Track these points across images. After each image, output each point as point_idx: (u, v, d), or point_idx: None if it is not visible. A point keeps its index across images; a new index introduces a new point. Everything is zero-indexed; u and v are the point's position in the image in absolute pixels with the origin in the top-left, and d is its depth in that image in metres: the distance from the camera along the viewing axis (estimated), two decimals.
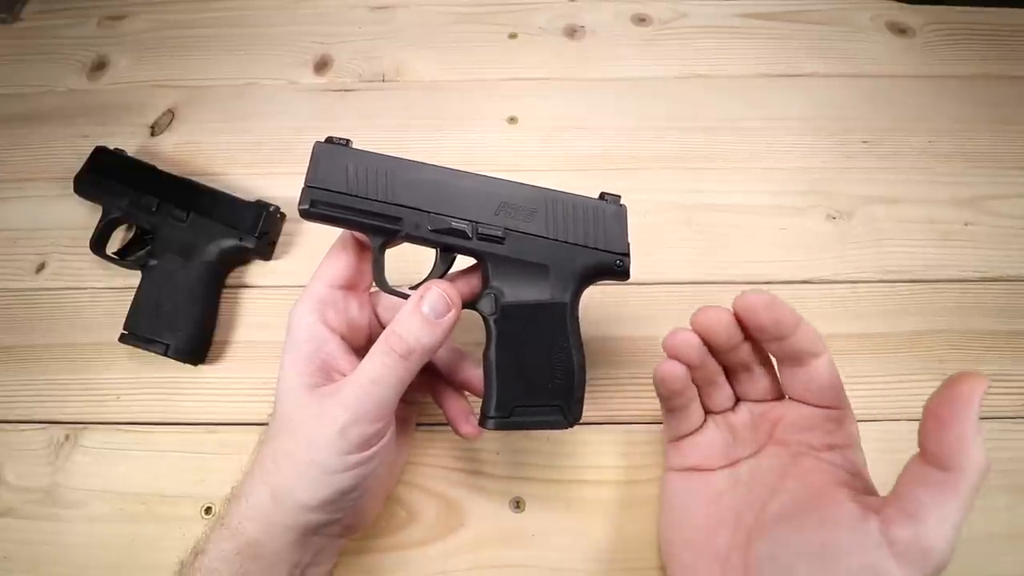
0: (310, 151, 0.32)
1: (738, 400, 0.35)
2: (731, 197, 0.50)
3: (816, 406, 0.31)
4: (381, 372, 0.30)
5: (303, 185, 0.32)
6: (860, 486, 0.29)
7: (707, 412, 0.35)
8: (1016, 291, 0.45)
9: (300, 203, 0.32)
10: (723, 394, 0.34)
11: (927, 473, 0.24)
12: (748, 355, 0.33)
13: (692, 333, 0.32)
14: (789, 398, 0.33)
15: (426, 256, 0.34)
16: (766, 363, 0.33)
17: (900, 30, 0.58)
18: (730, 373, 0.34)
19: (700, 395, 0.35)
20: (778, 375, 0.33)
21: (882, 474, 0.29)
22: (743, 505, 0.32)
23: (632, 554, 0.37)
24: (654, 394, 0.42)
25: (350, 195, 0.32)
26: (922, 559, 0.24)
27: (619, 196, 0.35)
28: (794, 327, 0.30)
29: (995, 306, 0.45)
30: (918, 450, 0.25)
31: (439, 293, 0.31)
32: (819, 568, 0.26)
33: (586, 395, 0.33)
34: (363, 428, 0.30)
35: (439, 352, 0.37)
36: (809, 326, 0.30)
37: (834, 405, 0.31)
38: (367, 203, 0.32)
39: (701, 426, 0.35)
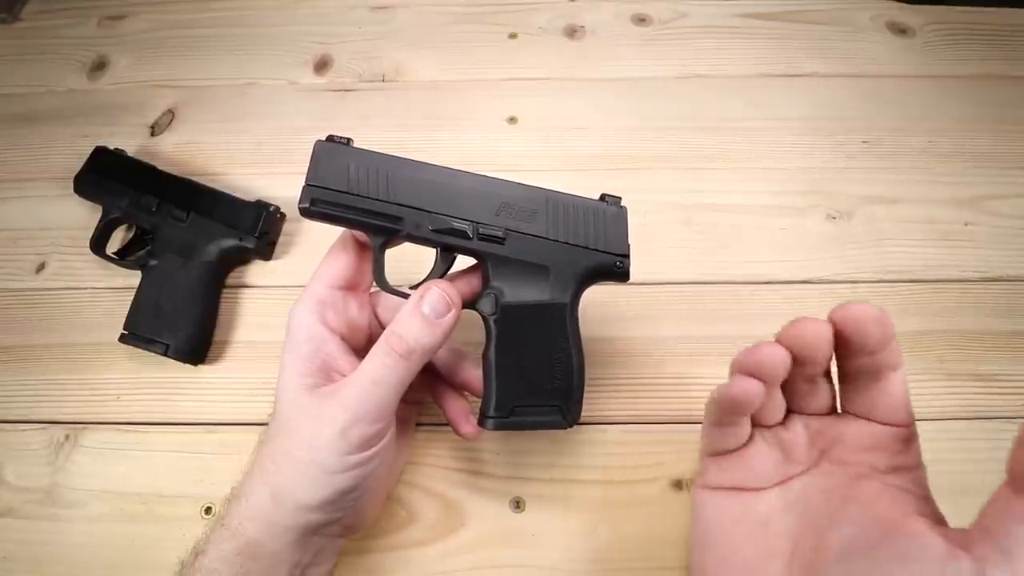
0: (310, 150, 0.32)
1: (789, 412, 0.30)
2: (731, 197, 0.50)
3: (884, 423, 0.28)
4: (381, 372, 0.30)
5: (304, 184, 0.32)
6: (932, 514, 0.26)
7: (755, 426, 0.30)
8: (1016, 291, 0.45)
9: (301, 201, 0.32)
10: (775, 405, 0.30)
11: (1022, 505, 0.22)
12: (819, 370, 0.28)
13: (782, 348, 0.27)
14: (850, 414, 0.29)
15: (426, 256, 0.34)
16: (827, 373, 0.29)
17: (900, 30, 0.58)
18: (786, 383, 0.29)
19: None
20: (838, 388, 0.30)
21: None
22: (797, 534, 0.28)
23: (632, 554, 0.37)
24: (654, 395, 0.42)
25: (351, 194, 0.32)
26: None
27: (619, 198, 0.35)
28: (890, 340, 0.26)
29: (995, 306, 0.45)
30: (1006, 480, 0.23)
31: (439, 293, 0.31)
32: None
33: (586, 395, 0.33)
34: (363, 428, 0.30)
35: (439, 352, 0.36)
36: (896, 343, 0.27)
37: (904, 423, 0.28)
38: (368, 202, 0.32)
39: (748, 441, 0.30)
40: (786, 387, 0.29)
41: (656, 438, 0.40)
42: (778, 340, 0.27)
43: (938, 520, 0.26)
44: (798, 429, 0.30)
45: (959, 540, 0.23)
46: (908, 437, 0.28)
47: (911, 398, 0.28)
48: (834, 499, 0.28)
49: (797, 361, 0.27)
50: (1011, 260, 0.47)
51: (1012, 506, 0.22)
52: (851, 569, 0.25)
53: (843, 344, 0.27)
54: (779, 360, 0.27)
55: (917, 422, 0.28)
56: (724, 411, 0.29)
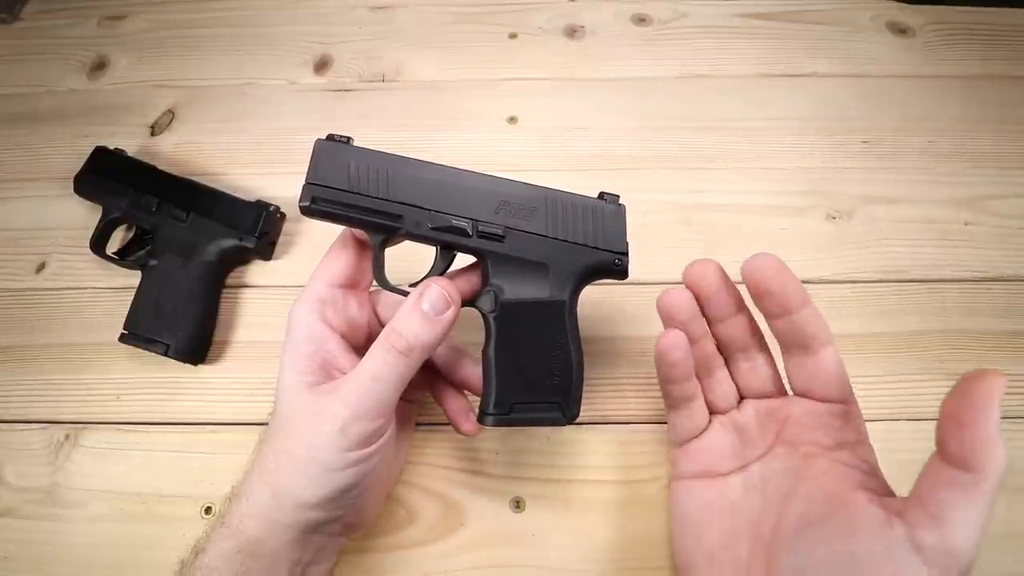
0: (310, 150, 0.32)
1: (743, 399, 0.34)
2: (731, 197, 0.50)
3: (823, 400, 0.30)
4: (381, 369, 0.30)
5: (304, 182, 0.32)
6: (876, 486, 0.28)
7: (712, 413, 0.35)
8: (1016, 291, 0.45)
9: (301, 200, 0.32)
10: (725, 387, 0.34)
11: (949, 474, 0.24)
12: (745, 332, 0.32)
13: (683, 290, 0.32)
14: (794, 393, 0.32)
15: (426, 254, 0.34)
16: (765, 350, 0.33)
17: (900, 30, 0.58)
18: (730, 363, 0.34)
19: (703, 390, 0.34)
20: (783, 370, 0.32)
21: (884, 473, 0.29)
22: (759, 513, 0.31)
23: (632, 554, 0.37)
24: (654, 394, 0.42)
25: (351, 192, 0.32)
26: (949, 561, 0.23)
27: (618, 196, 0.35)
28: (802, 302, 0.29)
29: (995, 306, 0.45)
30: (936, 450, 0.24)
31: (438, 290, 0.31)
32: None
33: (586, 395, 0.33)
34: (363, 425, 0.30)
35: (438, 350, 0.37)
36: (817, 311, 0.30)
37: (841, 399, 0.30)
38: (368, 200, 0.32)
39: (707, 427, 0.34)
40: (731, 367, 0.34)
41: (656, 438, 0.40)
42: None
43: (883, 492, 0.28)
44: (749, 412, 0.33)
45: (896, 509, 0.25)
46: (847, 414, 0.30)
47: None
48: (790, 478, 0.30)
49: (701, 300, 0.32)
50: (1011, 260, 0.47)
51: (940, 474, 0.24)
52: (804, 542, 0.28)
53: (754, 295, 0.30)
54: (684, 299, 0.32)
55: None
56: (660, 371, 0.33)
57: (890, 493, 0.28)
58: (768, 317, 0.31)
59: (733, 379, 0.34)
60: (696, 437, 0.34)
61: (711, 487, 0.33)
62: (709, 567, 0.32)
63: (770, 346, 0.33)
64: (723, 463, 0.33)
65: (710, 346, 0.33)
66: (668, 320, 0.33)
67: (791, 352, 0.31)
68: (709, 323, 0.33)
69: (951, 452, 0.24)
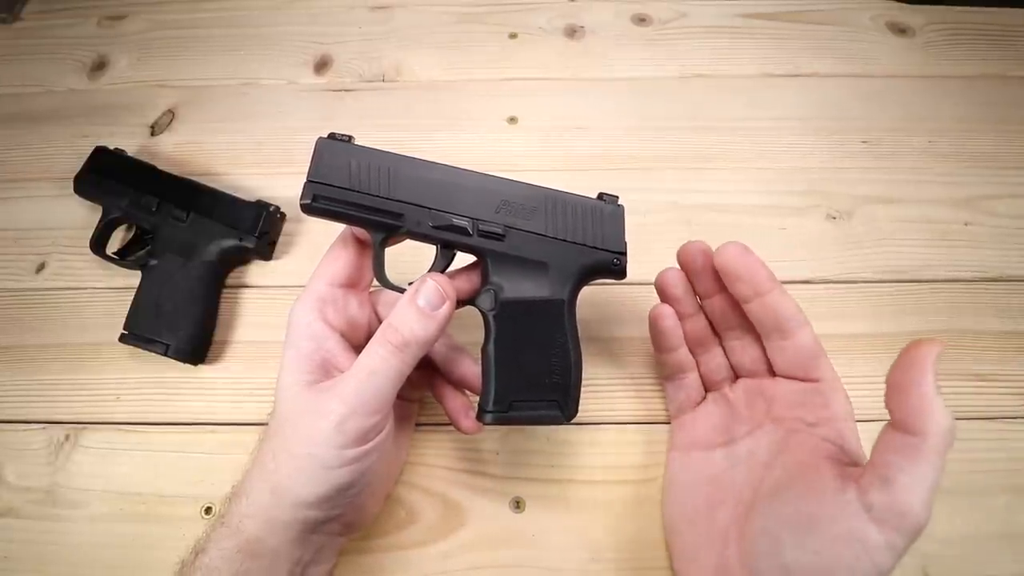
0: (311, 151, 0.32)
1: (737, 378, 0.37)
2: (731, 197, 0.50)
3: (803, 380, 0.33)
4: (377, 364, 0.30)
5: (305, 180, 0.32)
6: (846, 458, 0.30)
7: (708, 389, 0.38)
8: (1016, 291, 0.45)
9: (302, 198, 0.32)
10: (719, 361, 0.37)
11: (897, 439, 0.25)
12: (732, 311, 0.35)
13: (676, 269, 0.36)
14: (777, 374, 0.34)
15: (426, 253, 0.34)
16: (752, 332, 0.35)
17: (900, 30, 0.58)
18: (724, 342, 0.37)
19: (698, 364, 0.38)
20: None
21: None
22: (741, 483, 0.33)
23: (632, 554, 0.37)
24: (653, 394, 0.42)
25: (352, 191, 0.32)
26: (899, 521, 0.25)
27: (617, 196, 0.35)
28: (770, 286, 0.32)
29: (994, 306, 0.45)
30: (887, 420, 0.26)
31: (434, 286, 0.31)
32: (804, 537, 0.27)
33: (585, 395, 0.33)
34: (359, 421, 0.30)
35: (438, 349, 0.37)
36: (787, 294, 0.32)
37: (817, 377, 0.32)
38: (369, 199, 0.32)
39: (701, 402, 0.38)
40: (724, 344, 0.37)
41: (656, 438, 0.40)
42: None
43: (851, 462, 0.29)
44: (739, 390, 0.36)
45: (854, 476, 0.27)
46: (825, 391, 0.32)
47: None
48: (772, 451, 0.33)
49: (691, 277, 0.36)
50: (1010, 260, 0.47)
51: (890, 440, 0.26)
52: (771, 505, 0.30)
53: (726, 280, 0.33)
54: (676, 276, 0.36)
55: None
56: (654, 338, 0.37)
57: (859, 464, 0.29)
58: (742, 302, 0.33)
59: (728, 358, 0.37)
60: (691, 410, 0.38)
61: (699, 458, 0.36)
62: (690, 530, 0.34)
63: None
64: (713, 436, 0.36)
65: (702, 322, 0.37)
66: (661, 294, 0.37)
67: (769, 336, 0.33)
68: (700, 299, 0.36)
69: (896, 418, 0.25)
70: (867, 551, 0.25)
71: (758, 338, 0.35)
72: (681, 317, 0.37)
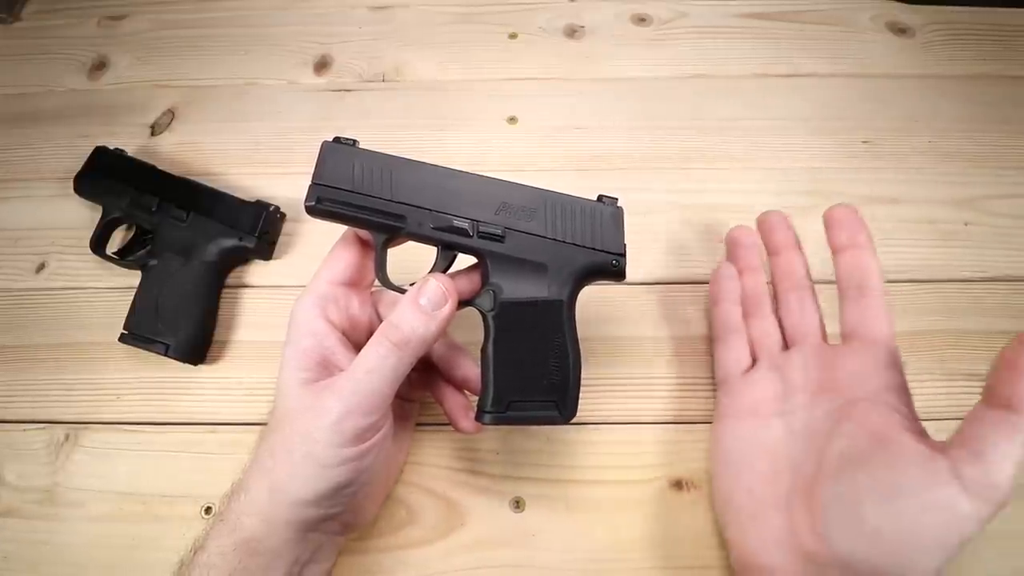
0: (311, 151, 0.33)
1: (788, 348, 0.37)
2: (731, 197, 0.50)
3: (871, 342, 0.33)
4: (376, 362, 0.30)
5: (310, 182, 0.32)
6: (918, 430, 0.30)
7: (754, 356, 0.38)
8: (1016, 291, 0.45)
9: (307, 199, 0.32)
10: (768, 326, 0.38)
11: (994, 415, 0.26)
12: (801, 269, 0.37)
13: (750, 227, 0.39)
14: (842, 334, 0.35)
15: (427, 255, 0.34)
16: (815, 296, 0.37)
17: (900, 30, 0.58)
18: (781, 305, 0.38)
19: (748, 327, 0.38)
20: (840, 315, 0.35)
21: None
22: (801, 455, 0.32)
23: (631, 554, 0.37)
24: (653, 394, 0.42)
25: (355, 193, 0.32)
26: (990, 493, 0.25)
27: (616, 198, 0.35)
28: (866, 241, 0.34)
29: (995, 306, 0.45)
30: (980, 400, 0.26)
31: (436, 285, 0.31)
32: (887, 505, 0.27)
33: (585, 395, 0.33)
34: (357, 420, 0.30)
35: (437, 349, 0.37)
36: (878, 260, 0.34)
37: (884, 342, 0.33)
38: (372, 201, 0.33)
39: (751, 368, 0.38)
40: (781, 313, 0.37)
41: (656, 438, 0.40)
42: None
43: (922, 435, 0.29)
44: (795, 359, 0.36)
45: (939, 447, 0.27)
46: (890, 358, 0.32)
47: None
48: (831, 420, 0.32)
49: (765, 233, 0.39)
50: (1011, 260, 0.47)
51: (985, 416, 0.26)
52: (848, 480, 0.29)
53: (828, 225, 0.35)
54: (749, 231, 0.39)
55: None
56: (713, 288, 0.40)
57: (929, 438, 0.29)
58: (835, 251, 0.35)
59: (781, 325, 0.37)
60: (740, 376, 0.38)
61: (753, 428, 0.35)
62: (750, 499, 0.34)
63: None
64: (766, 405, 0.35)
65: (762, 283, 0.38)
66: (732, 244, 0.40)
67: (847, 294, 0.34)
68: (770, 254, 0.38)
69: (1000, 394, 0.25)
70: (956, 520, 0.26)
71: (818, 305, 0.36)
72: (743, 271, 0.39)
